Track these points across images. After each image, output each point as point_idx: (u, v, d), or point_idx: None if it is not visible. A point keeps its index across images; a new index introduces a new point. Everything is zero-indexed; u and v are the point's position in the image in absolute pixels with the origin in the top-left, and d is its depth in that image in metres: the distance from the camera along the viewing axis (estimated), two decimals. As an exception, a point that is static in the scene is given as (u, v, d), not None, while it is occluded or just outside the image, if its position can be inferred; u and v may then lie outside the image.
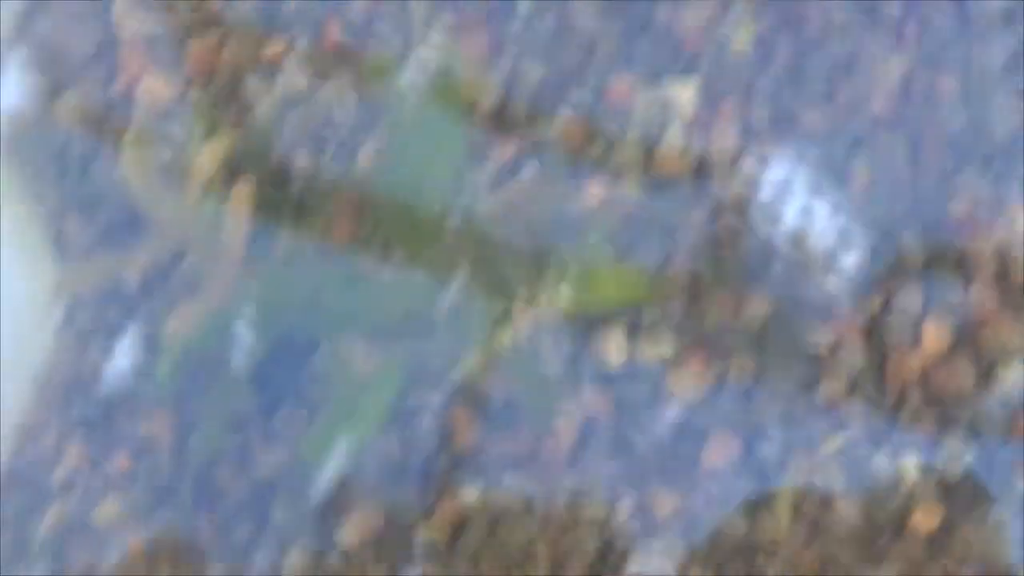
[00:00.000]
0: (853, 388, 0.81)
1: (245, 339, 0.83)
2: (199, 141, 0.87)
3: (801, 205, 0.82)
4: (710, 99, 0.86)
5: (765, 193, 0.83)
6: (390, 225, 0.85)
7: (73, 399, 0.84)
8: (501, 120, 0.87)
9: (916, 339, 0.82)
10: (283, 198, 0.86)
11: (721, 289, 0.83)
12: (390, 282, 0.84)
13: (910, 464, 0.80)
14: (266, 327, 0.83)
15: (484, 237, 0.84)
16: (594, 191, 0.85)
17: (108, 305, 0.85)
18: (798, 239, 0.81)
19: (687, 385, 0.81)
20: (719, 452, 0.81)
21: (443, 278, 0.84)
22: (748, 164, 0.83)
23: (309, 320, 0.83)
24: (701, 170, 0.85)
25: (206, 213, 0.85)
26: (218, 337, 0.83)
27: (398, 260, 0.84)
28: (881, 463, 0.80)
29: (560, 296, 0.82)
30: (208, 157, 0.85)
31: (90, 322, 0.85)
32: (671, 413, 0.81)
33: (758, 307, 0.83)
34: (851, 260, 0.82)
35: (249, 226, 0.84)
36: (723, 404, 0.81)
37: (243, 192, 0.83)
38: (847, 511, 0.80)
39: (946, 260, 0.83)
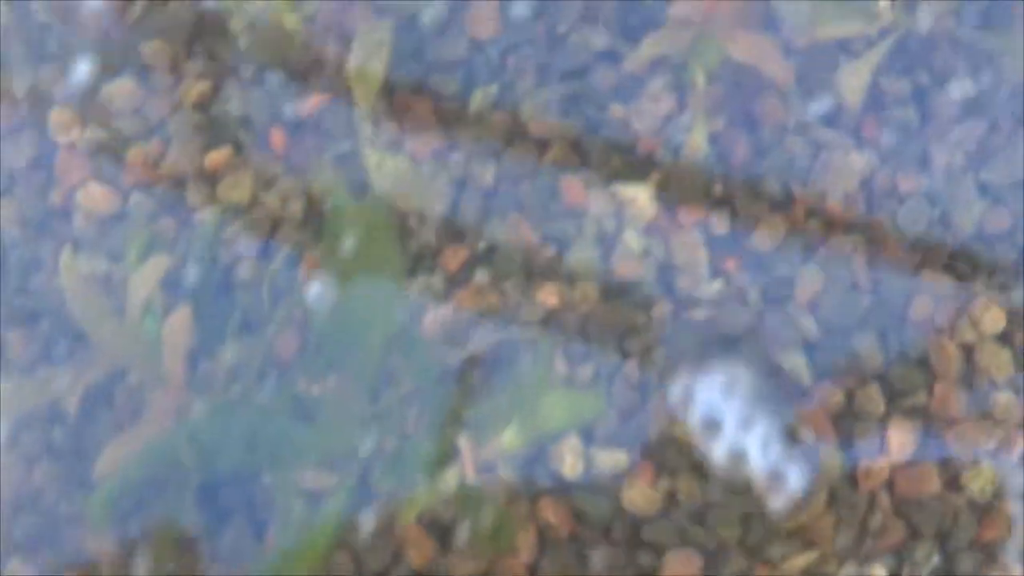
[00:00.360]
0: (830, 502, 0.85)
1: (187, 466, 0.86)
2: (138, 256, 0.90)
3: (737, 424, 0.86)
4: (668, 200, 0.90)
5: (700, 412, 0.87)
6: (335, 344, 0.88)
7: (17, 519, 0.88)
8: (451, 224, 0.90)
9: (882, 443, 0.85)
10: (225, 316, 0.89)
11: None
12: (335, 411, 0.87)
13: (879, 574, 0.84)
14: (209, 455, 0.86)
15: (430, 359, 0.88)
16: (548, 296, 0.89)
17: (52, 427, 0.89)
18: (736, 459, 0.86)
19: (642, 498, 0.85)
20: (679, 568, 0.84)
21: (390, 410, 0.87)
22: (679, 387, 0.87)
23: (253, 450, 0.86)
24: (662, 273, 0.89)
25: (145, 334, 0.88)
26: (158, 466, 0.86)
27: (343, 385, 0.88)
28: (849, 574, 0.84)
29: (508, 435, 0.86)
30: (147, 275, 0.89)
31: (34, 444, 0.89)
32: (629, 525, 0.85)
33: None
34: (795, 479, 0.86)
35: (188, 350, 0.88)
36: (679, 519, 0.85)
37: (181, 319, 0.87)
38: (816, 624, 0.84)
39: (908, 362, 0.87)
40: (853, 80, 0.92)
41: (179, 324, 0.87)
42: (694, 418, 0.85)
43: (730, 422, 0.85)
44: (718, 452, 0.85)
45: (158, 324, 0.89)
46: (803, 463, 0.85)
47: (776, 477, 0.84)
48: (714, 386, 0.85)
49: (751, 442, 0.85)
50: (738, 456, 0.84)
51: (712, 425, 0.85)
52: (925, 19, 0.93)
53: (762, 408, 0.85)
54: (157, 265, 0.89)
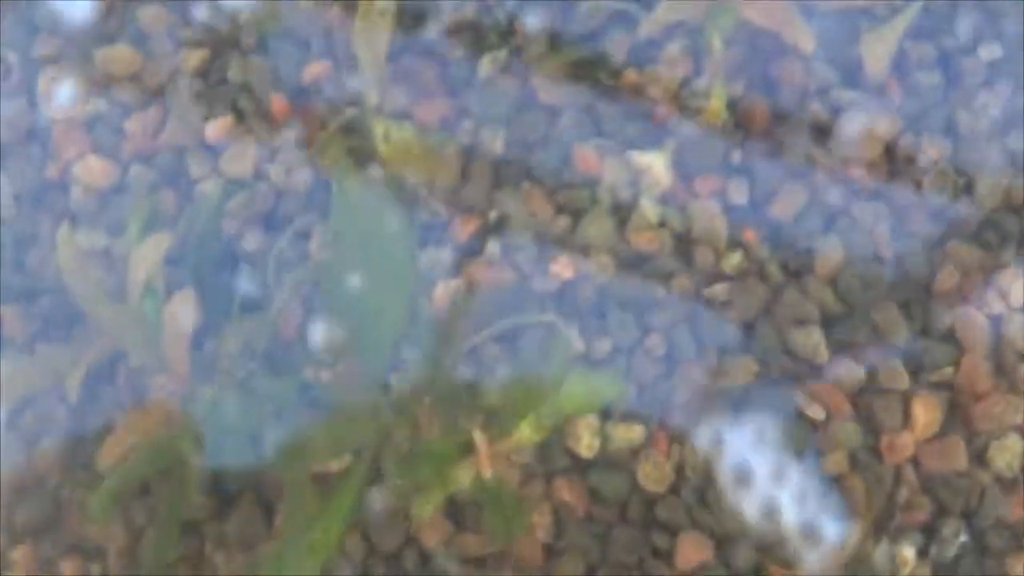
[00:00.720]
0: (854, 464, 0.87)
1: (191, 459, 0.88)
2: (139, 232, 0.91)
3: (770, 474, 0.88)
4: (684, 168, 0.92)
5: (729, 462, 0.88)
6: (344, 322, 0.90)
7: (19, 503, 0.89)
8: (461, 193, 0.92)
9: (906, 418, 0.87)
10: (228, 294, 0.91)
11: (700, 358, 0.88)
12: (344, 400, 0.88)
13: (908, 553, 0.86)
14: (214, 449, 0.88)
15: (443, 344, 0.89)
16: (562, 268, 0.90)
17: (53, 408, 0.90)
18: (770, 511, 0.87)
19: (656, 471, 0.86)
20: (692, 551, 0.86)
21: (403, 400, 0.88)
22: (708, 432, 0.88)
23: (260, 443, 0.88)
24: (680, 244, 0.90)
25: (146, 315, 0.89)
26: (162, 458, 0.88)
27: (352, 372, 0.89)
28: (881, 553, 0.86)
29: (525, 429, 0.87)
30: (147, 253, 0.90)
31: (36, 425, 0.90)
32: (644, 503, 0.87)
33: (740, 373, 0.88)
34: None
35: (190, 333, 0.89)
36: (687, 496, 0.86)
37: (183, 302, 0.88)
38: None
39: (934, 334, 0.89)
40: (878, 47, 0.93)
41: (181, 307, 0.89)
42: (724, 469, 0.87)
43: (761, 473, 0.87)
44: (750, 505, 0.87)
45: (159, 305, 0.90)
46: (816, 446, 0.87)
47: (810, 531, 0.86)
48: (744, 437, 0.87)
49: (783, 495, 0.87)
50: (771, 510, 0.86)
51: (743, 477, 0.87)
52: (950, -21, 0.94)
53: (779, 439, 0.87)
54: (158, 243, 0.90)
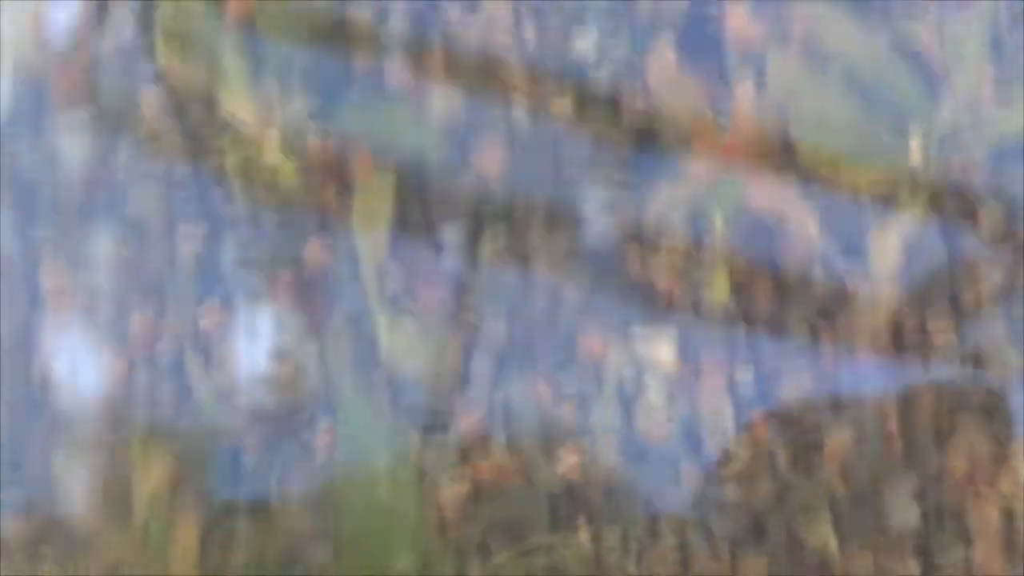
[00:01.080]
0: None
1: None
2: (141, 448, 0.91)
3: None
4: (690, 354, 0.91)
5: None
6: (351, 529, 0.89)
7: None
8: (464, 384, 0.91)
9: (920, 609, 0.87)
10: (235, 493, 0.90)
11: (713, 556, 0.88)
12: None
13: None
14: None
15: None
16: (570, 460, 0.89)
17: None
18: None
19: None
20: None
21: None
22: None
23: None
24: (687, 434, 0.90)
25: (152, 541, 0.89)
26: None
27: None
28: None
29: None
30: (150, 477, 0.89)
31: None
32: None
33: (754, 571, 0.88)
34: None
35: (198, 557, 0.88)
36: None
37: (189, 529, 0.87)
38: None
39: (944, 521, 0.88)
40: (885, 241, 0.92)
41: (187, 533, 0.88)
42: None
43: None
44: None
45: (164, 526, 0.89)
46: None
47: None
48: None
49: None
50: None
51: None
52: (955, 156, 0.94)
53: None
54: (162, 466, 0.89)
